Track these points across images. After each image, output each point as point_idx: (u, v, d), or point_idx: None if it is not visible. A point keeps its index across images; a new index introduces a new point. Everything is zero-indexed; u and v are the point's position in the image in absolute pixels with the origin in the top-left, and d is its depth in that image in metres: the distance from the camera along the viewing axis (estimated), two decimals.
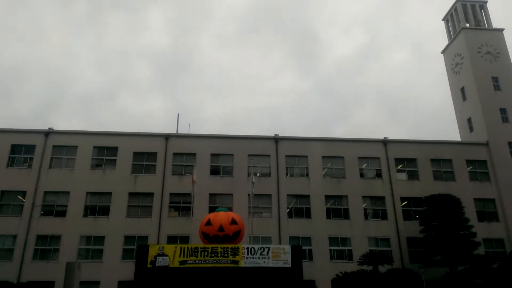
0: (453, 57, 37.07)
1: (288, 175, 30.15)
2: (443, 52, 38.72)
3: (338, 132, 79.50)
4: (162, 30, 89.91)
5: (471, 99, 34.28)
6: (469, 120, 34.45)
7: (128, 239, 27.10)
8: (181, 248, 21.63)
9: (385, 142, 31.49)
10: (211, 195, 28.81)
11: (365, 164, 30.94)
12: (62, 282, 14.45)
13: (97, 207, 27.96)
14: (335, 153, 30.81)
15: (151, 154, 29.64)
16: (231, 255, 21.67)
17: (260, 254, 21.82)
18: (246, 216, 27.26)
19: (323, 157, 30.61)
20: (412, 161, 31.16)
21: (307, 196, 29.35)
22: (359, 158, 30.82)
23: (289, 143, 30.87)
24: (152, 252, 21.47)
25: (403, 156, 31.23)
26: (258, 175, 29.79)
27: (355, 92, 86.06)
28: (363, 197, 29.63)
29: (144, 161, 29.49)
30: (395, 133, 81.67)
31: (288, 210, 29.08)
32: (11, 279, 24.68)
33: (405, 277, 23.43)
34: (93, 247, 26.82)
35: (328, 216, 28.93)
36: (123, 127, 76.77)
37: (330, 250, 27.96)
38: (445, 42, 44.96)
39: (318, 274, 26.69)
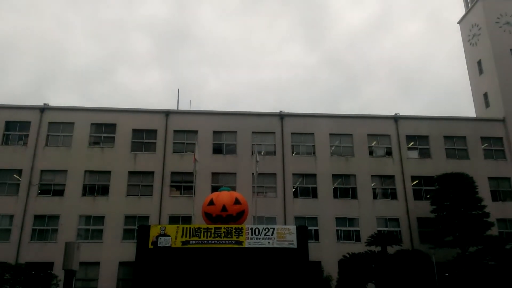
0: (470, 28, 36.18)
1: (294, 153, 30.12)
2: (459, 22, 37.78)
3: (346, 108, 78.89)
4: (161, 0, 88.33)
5: (488, 72, 33.62)
6: (485, 95, 33.90)
7: (129, 219, 27.27)
8: (183, 228, 21.93)
9: (396, 119, 31.22)
10: (213, 174, 28.83)
11: (374, 142, 30.77)
12: (61, 263, 14.48)
13: (96, 186, 28.05)
14: (343, 130, 30.64)
15: (151, 131, 29.55)
16: (234, 235, 21.92)
17: (265, 234, 22.07)
18: (250, 196, 27.32)
19: (330, 134, 30.47)
20: (424, 139, 30.90)
21: (314, 175, 29.35)
22: (369, 135, 30.64)
23: (295, 120, 30.71)
24: (154, 232, 21.73)
25: (414, 133, 30.97)
26: (262, 153, 29.77)
27: (366, 66, 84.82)
28: (372, 176, 29.57)
29: (143, 138, 29.44)
30: (408, 110, 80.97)
31: (293, 189, 29.13)
32: (8, 260, 24.94)
33: (414, 258, 23.54)
34: (92, 227, 27.02)
35: (335, 196, 29.00)
36: (122, 103, 76.57)
37: (337, 230, 28.10)
38: (462, 11, 43.81)
39: (325, 255, 26.88)
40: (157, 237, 21.61)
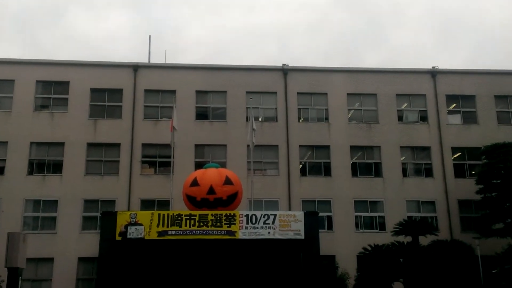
0: None
1: (301, 119, 30.06)
2: None
3: (369, 60, 78.11)
4: None
5: None
6: None
7: (89, 203, 27.46)
8: (159, 215, 22.01)
9: (433, 74, 31.08)
10: (197, 146, 28.84)
11: (405, 104, 30.74)
12: (4, 259, 14.54)
13: (46, 162, 28.12)
14: (365, 89, 30.56)
15: (115, 91, 29.43)
16: (225, 224, 22.00)
17: (264, 223, 22.16)
18: (245, 174, 27.42)
19: (348, 94, 30.39)
20: (469, 99, 30.94)
21: (327, 147, 29.41)
22: (398, 95, 30.61)
23: (303, 76, 30.55)
24: (122, 220, 21.85)
25: (457, 92, 30.97)
26: (260, 119, 29.67)
27: (394, 6, 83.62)
28: (402, 147, 29.69)
29: (105, 100, 29.30)
30: (448, 62, 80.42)
31: (301, 165, 29.20)
32: None
33: (454, 250, 23.83)
34: (43, 215, 27.22)
35: (354, 173, 29.15)
36: (76, 54, 75.52)
37: (356, 217, 28.36)
38: None
39: (340, 247, 27.24)
40: (126, 227, 21.71)
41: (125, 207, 27.02)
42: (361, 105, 30.51)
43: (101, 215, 23.71)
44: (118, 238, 21.66)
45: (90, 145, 28.45)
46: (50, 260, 26.24)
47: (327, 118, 30.08)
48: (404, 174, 29.39)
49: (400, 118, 30.35)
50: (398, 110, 30.42)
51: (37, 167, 28.03)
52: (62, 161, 28.02)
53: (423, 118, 30.53)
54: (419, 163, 29.80)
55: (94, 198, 27.50)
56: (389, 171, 29.24)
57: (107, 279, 21.40)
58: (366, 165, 29.61)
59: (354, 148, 29.61)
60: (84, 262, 26.32)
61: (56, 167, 28.00)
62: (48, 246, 26.33)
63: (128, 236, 21.64)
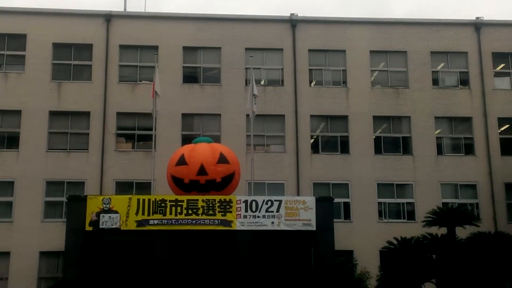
0: None
1: (313, 83, 30.01)
2: None
3: (397, 10, 77.29)
4: None
5: None
6: None
7: (53, 186, 27.56)
8: (138, 201, 22.15)
9: (477, 26, 30.98)
10: (185, 116, 28.92)
11: (442, 64, 30.68)
12: None
13: None
14: (392, 46, 30.49)
15: (83, 47, 29.40)
16: (219, 212, 22.16)
17: (267, 210, 22.32)
18: (243, 151, 27.56)
19: (371, 52, 30.35)
20: None
21: (344, 118, 29.48)
22: (433, 53, 30.55)
23: (315, 28, 30.41)
24: (93, 207, 21.99)
25: (506, 50, 30.87)
26: (263, 83, 29.63)
27: None
28: (437, 118, 29.76)
29: (71, 59, 29.22)
30: (495, 13, 79.51)
31: (312, 140, 29.26)
32: None
33: (498, 244, 23.70)
34: None
35: (377, 150, 29.24)
36: (35, 1, 74.69)
37: (380, 203, 28.52)
38: None
39: (360, 241, 27.42)
40: (98, 215, 21.91)
41: (96, 191, 27.10)
42: (387, 65, 30.41)
43: (67, 200, 23.77)
44: (88, 228, 21.82)
45: (53, 114, 28.40)
46: (6, 254, 26.38)
47: (345, 82, 29.99)
48: (439, 151, 29.45)
49: (435, 82, 30.32)
50: (433, 71, 30.37)
51: None
52: (18, 134, 28.02)
53: (464, 81, 30.49)
54: (457, 138, 29.86)
55: (58, 179, 27.56)
56: (420, 147, 29.28)
57: (75, 277, 21.55)
58: (393, 140, 29.64)
59: (378, 119, 29.61)
60: (47, 257, 26.46)
61: (12, 141, 28.03)
62: (3, 238, 26.46)
63: (101, 226, 21.82)
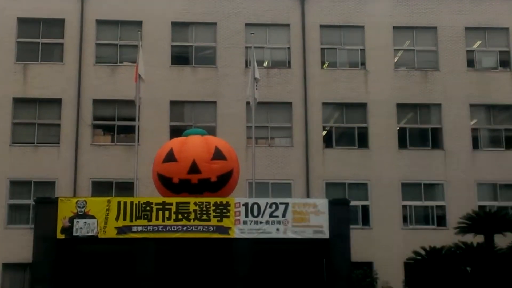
0: None
1: (326, 64, 29.94)
2: None
3: None
4: None
5: None
6: None
7: (18, 186, 27.50)
8: (119, 204, 22.15)
9: None
10: (174, 104, 28.86)
11: (478, 42, 30.50)
12: None
13: None
14: (420, 21, 30.32)
15: (53, 22, 29.22)
16: (215, 217, 22.09)
17: (271, 215, 22.21)
18: (244, 145, 27.60)
19: (395, 28, 30.22)
20: None
21: (362, 106, 29.37)
22: (467, 29, 30.35)
23: (328, 0, 30.21)
24: (65, 211, 21.94)
25: None
26: (266, 64, 29.54)
27: None
28: (472, 106, 29.58)
29: (40, 36, 29.08)
30: None
31: (324, 132, 29.18)
32: None
33: None
34: None
35: (402, 144, 29.10)
36: None
37: (405, 207, 28.36)
38: None
39: (381, 251, 27.22)
40: (71, 220, 21.78)
41: (69, 192, 26.93)
42: (414, 43, 30.24)
43: (35, 203, 23.60)
44: (60, 236, 21.70)
45: (18, 102, 28.27)
46: None
47: (363, 63, 29.84)
48: (475, 145, 29.28)
49: (470, 63, 30.14)
50: (467, 51, 30.18)
51: None
52: None
53: (504, 63, 30.33)
54: (497, 129, 29.71)
55: (24, 178, 27.37)
56: (453, 140, 29.09)
57: None
58: (420, 132, 29.53)
59: (402, 107, 29.44)
60: (11, 270, 26.24)
61: None
62: None
63: (75, 234, 21.66)
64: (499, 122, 29.72)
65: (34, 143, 27.92)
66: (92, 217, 21.72)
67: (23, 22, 28.99)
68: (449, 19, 30.19)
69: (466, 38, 30.15)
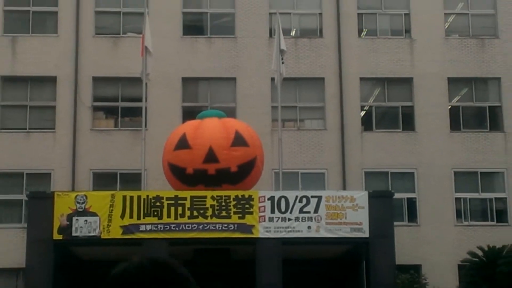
0: None
1: (364, 32, 30.02)
2: None
3: None
4: None
5: None
6: None
7: (8, 179, 27.88)
8: (124, 198, 22.37)
9: None
10: (186, 80, 28.95)
11: None
12: None
13: None
14: None
15: None
16: (235, 214, 22.25)
17: (301, 211, 22.32)
18: (269, 128, 27.73)
19: None
20: None
21: (408, 81, 29.39)
22: None
23: None
24: (63, 207, 22.13)
25: None
26: (294, 33, 29.62)
27: None
28: None
29: (30, 4, 29.15)
30: None
31: (363, 113, 29.27)
32: None
33: None
34: None
35: (454, 126, 29.06)
36: None
37: (458, 199, 28.33)
38: None
39: (430, 251, 27.22)
40: (70, 217, 22.00)
41: (67, 185, 27.14)
42: (468, 6, 30.08)
43: (28, 199, 23.92)
44: (57, 236, 21.95)
45: (6, 81, 28.61)
46: None
47: (408, 31, 29.84)
48: None
49: None
50: None
51: None
52: None
53: None
54: None
55: (15, 170, 27.60)
56: None
57: None
58: (476, 112, 29.63)
59: (454, 82, 29.41)
60: (1, 277, 26.53)
61: None
62: None
63: (74, 234, 21.92)
64: None
65: (25, 128, 28.15)
66: (94, 214, 21.98)
67: None
68: None
69: None
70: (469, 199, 28.37)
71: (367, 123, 29.13)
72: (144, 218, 22.02)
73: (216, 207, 22.13)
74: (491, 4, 30.03)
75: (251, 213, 22.10)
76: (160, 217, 22.02)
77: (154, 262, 2.01)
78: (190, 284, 2.01)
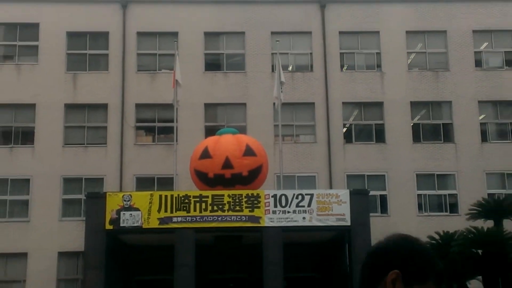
0: None
1: (345, 67, 29.87)
2: None
3: None
4: None
5: None
6: None
7: (70, 183, 27.75)
8: (160, 197, 22.25)
9: None
10: (208, 106, 28.89)
11: (485, 44, 30.25)
12: None
13: (13, 130, 28.35)
14: (431, 25, 30.08)
15: (98, 35, 29.48)
16: (247, 208, 22.16)
17: (297, 205, 22.26)
18: (271, 142, 27.54)
19: (408, 32, 30.02)
20: None
21: (379, 104, 29.25)
22: (475, 32, 30.05)
23: (346, 9, 30.20)
24: (112, 204, 22.11)
25: None
26: (291, 68, 29.49)
27: None
28: (481, 102, 29.31)
29: (87, 48, 29.29)
30: None
31: (345, 129, 29.20)
32: None
33: None
34: (11, 198, 27.61)
35: (416, 139, 29.01)
36: None
37: (419, 196, 28.30)
38: None
39: None
40: (118, 212, 21.97)
41: (116, 187, 27.19)
42: (425, 46, 30.05)
43: (86, 198, 23.94)
44: (108, 227, 21.93)
45: (69, 107, 28.52)
46: (23, 256, 26.59)
47: (379, 66, 29.74)
48: (484, 138, 29.09)
49: (478, 63, 29.86)
50: (475, 52, 29.91)
51: (1, 137, 28.40)
52: (33, 129, 28.15)
53: (510, 62, 29.99)
54: (503, 123, 29.49)
55: (76, 175, 27.63)
56: (463, 134, 28.92)
57: (95, 279, 21.72)
58: (433, 127, 29.42)
59: (416, 105, 29.33)
60: (66, 258, 26.67)
61: (26, 137, 28.23)
62: (20, 238, 26.58)
63: (122, 225, 21.90)
64: (506, 117, 29.51)
65: (84, 144, 28.24)
66: (137, 209, 21.95)
67: (72, 36, 29.25)
68: (457, 23, 29.89)
69: (473, 40, 29.88)
70: (428, 195, 28.41)
71: (348, 137, 29.11)
72: (175, 212, 21.96)
73: (231, 203, 22.08)
74: (443, 44, 30.00)
75: (259, 207, 22.07)
76: (188, 211, 21.97)
77: (403, 237, 2.14)
78: (429, 252, 2.11)
